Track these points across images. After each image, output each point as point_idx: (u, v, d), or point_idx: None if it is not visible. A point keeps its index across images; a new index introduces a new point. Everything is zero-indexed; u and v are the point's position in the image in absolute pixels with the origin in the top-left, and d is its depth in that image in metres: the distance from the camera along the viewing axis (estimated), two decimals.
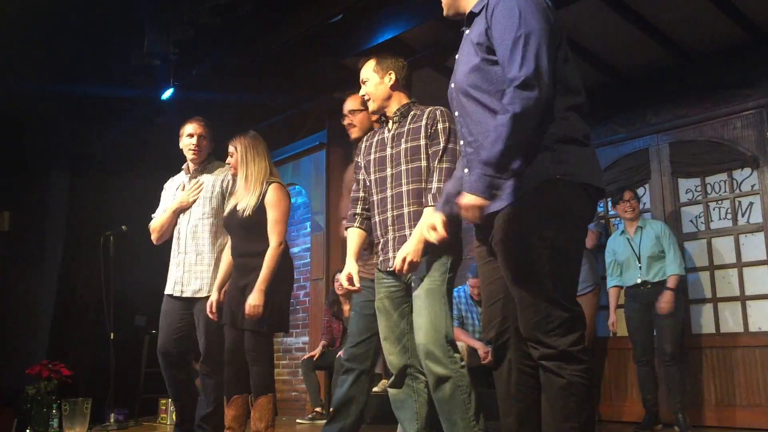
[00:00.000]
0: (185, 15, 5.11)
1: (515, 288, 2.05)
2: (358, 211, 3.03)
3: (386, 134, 2.97)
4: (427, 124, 2.84)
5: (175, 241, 3.94)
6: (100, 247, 5.55)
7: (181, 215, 3.94)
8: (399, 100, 2.95)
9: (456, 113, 2.24)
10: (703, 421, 4.84)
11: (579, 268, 2.12)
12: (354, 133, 3.41)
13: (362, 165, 3.03)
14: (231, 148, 3.63)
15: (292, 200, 6.68)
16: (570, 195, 2.02)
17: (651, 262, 4.78)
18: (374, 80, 2.94)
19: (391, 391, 2.91)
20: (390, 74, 2.94)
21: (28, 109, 6.13)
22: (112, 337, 5.58)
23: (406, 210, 2.82)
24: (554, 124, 2.03)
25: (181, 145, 3.98)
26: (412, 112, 2.94)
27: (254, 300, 3.34)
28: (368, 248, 3.33)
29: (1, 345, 6.36)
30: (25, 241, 6.52)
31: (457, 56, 2.26)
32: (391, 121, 2.96)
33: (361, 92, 2.99)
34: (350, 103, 3.42)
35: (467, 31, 2.25)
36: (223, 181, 3.92)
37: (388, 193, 2.88)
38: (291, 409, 6.42)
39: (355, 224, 3.02)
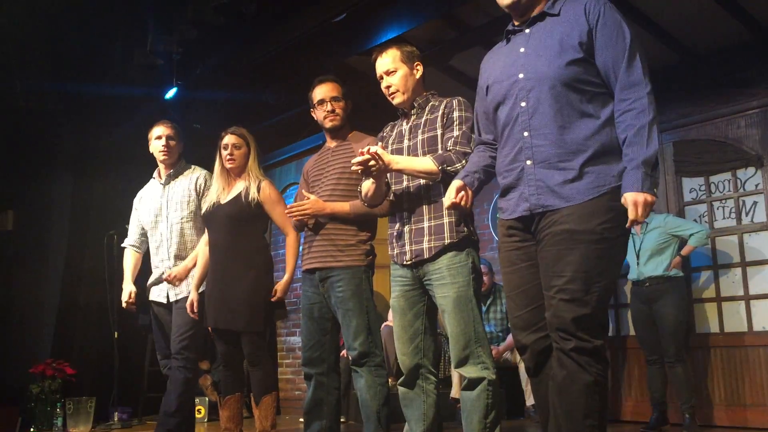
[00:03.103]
0: (189, 14, 5.11)
1: (566, 279, 2.06)
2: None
3: (404, 126, 2.92)
4: (443, 113, 2.80)
5: (154, 248, 3.92)
6: (104, 246, 5.56)
7: (159, 222, 3.91)
8: (420, 92, 2.92)
9: (522, 104, 2.22)
10: (704, 420, 4.82)
11: (618, 275, 2.24)
12: (336, 122, 3.29)
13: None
14: (238, 140, 3.58)
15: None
16: None
17: (650, 257, 4.77)
18: (403, 72, 2.86)
19: (401, 389, 2.89)
20: (418, 66, 2.90)
21: (32, 108, 6.14)
22: (116, 336, 5.59)
23: (424, 202, 2.78)
24: None
25: (151, 148, 3.95)
26: (430, 103, 2.89)
27: (283, 292, 3.48)
28: (308, 240, 3.30)
29: (5, 344, 6.37)
30: (28, 240, 6.54)
31: (522, 50, 2.27)
32: (409, 113, 2.91)
33: (385, 84, 2.88)
34: (333, 90, 3.31)
35: (528, 30, 2.29)
36: (197, 182, 3.89)
37: (405, 184, 2.83)
38: (294, 408, 6.43)
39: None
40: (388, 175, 2.87)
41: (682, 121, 5.23)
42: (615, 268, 2.14)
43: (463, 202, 2.35)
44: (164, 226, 3.88)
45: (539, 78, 2.19)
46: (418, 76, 2.90)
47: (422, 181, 2.79)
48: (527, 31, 2.30)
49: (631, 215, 2.02)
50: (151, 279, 3.95)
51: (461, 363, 2.69)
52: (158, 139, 3.90)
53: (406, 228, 2.81)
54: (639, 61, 2.11)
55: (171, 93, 5.89)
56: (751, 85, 4.89)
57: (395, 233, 2.86)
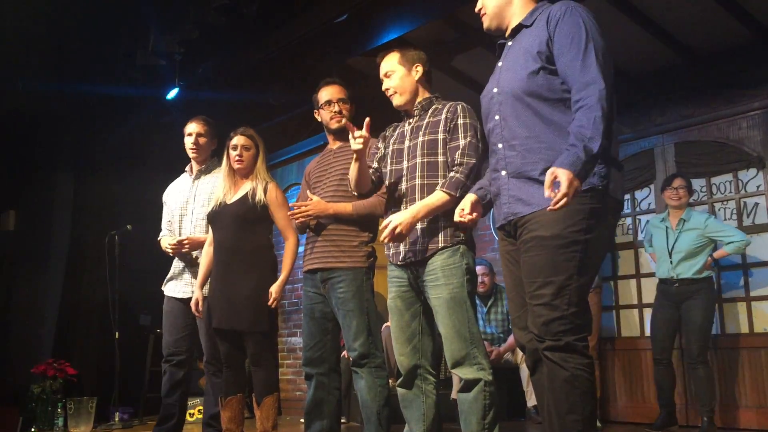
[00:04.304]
0: (190, 15, 5.13)
1: (537, 284, 2.10)
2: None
3: (406, 127, 2.94)
4: (447, 118, 2.81)
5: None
6: (105, 246, 5.56)
7: (183, 217, 3.95)
8: (422, 93, 2.93)
9: (496, 117, 2.30)
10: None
11: (594, 278, 2.22)
12: (342, 123, 3.29)
13: (381, 149, 3.02)
14: (248, 142, 3.58)
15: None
16: (607, 207, 2.15)
17: (684, 258, 4.67)
18: (400, 73, 2.90)
19: (399, 390, 2.90)
20: (417, 67, 2.92)
21: (34, 108, 6.15)
22: (117, 337, 5.59)
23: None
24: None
25: (185, 145, 4.01)
26: (433, 106, 2.91)
27: (278, 293, 3.40)
28: (310, 241, 3.31)
29: (6, 344, 6.38)
30: (30, 240, 6.54)
31: (499, 64, 2.37)
32: (412, 114, 2.94)
33: (385, 86, 2.93)
34: (340, 92, 3.34)
35: (510, 43, 2.36)
36: None
37: (402, 185, 2.85)
38: (295, 409, 6.42)
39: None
40: (386, 170, 2.95)
41: (683, 122, 5.23)
42: (589, 268, 2.14)
43: (468, 221, 2.45)
44: (188, 220, 3.92)
45: (506, 91, 2.27)
46: (416, 77, 2.91)
47: (418, 182, 2.80)
48: (509, 43, 2.37)
49: (563, 189, 1.92)
50: (171, 272, 3.95)
51: (457, 364, 2.70)
52: (189, 136, 3.96)
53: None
54: (594, 61, 2.09)
55: (173, 93, 5.89)
56: (753, 86, 4.89)
57: None
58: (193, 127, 3.96)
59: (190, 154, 3.98)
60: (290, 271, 3.49)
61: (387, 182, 2.94)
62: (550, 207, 1.99)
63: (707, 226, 4.67)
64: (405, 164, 2.86)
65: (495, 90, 2.32)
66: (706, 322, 4.60)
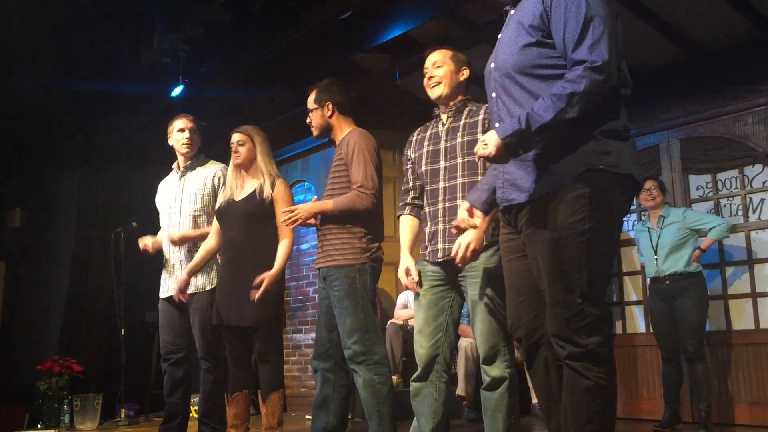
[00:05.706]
0: (195, 12, 5.13)
1: (547, 282, 2.01)
2: (408, 200, 3.03)
3: (440, 128, 2.96)
4: (484, 119, 2.83)
5: (166, 239, 3.92)
6: (111, 243, 5.58)
7: (172, 214, 3.92)
8: (460, 96, 2.95)
9: (493, 94, 2.20)
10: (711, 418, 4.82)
11: (612, 264, 2.12)
12: (315, 131, 3.37)
13: (413, 158, 3.02)
14: (242, 137, 3.59)
15: (302, 197, 6.72)
16: (611, 187, 2.01)
17: (669, 253, 4.67)
18: (450, 68, 2.91)
19: (414, 384, 2.91)
20: (465, 70, 2.95)
21: (40, 105, 6.17)
22: (122, 333, 5.61)
23: (459, 202, 2.79)
24: (602, 114, 2.02)
25: (172, 141, 3.98)
26: (467, 108, 2.93)
27: (267, 284, 3.37)
28: (317, 240, 3.33)
29: (13, 341, 6.41)
30: (36, 237, 6.57)
31: (500, 36, 2.25)
32: (446, 116, 2.95)
33: (430, 74, 2.92)
34: (310, 102, 3.36)
35: (512, 11, 2.24)
36: (214, 177, 3.90)
37: (440, 185, 2.88)
38: (300, 405, 6.44)
39: (406, 212, 3.02)
40: (420, 170, 2.96)
41: (689, 118, 5.21)
42: (599, 258, 2.00)
43: (464, 225, 2.32)
44: (177, 218, 3.89)
45: (500, 66, 2.16)
46: (462, 78, 2.93)
47: (459, 181, 2.83)
48: (512, 12, 2.25)
49: (476, 149, 2.00)
50: (162, 278, 3.95)
51: (489, 361, 2.75)
52: (181, 131, 3.93)
53: (440, 227, 2.85)
54: (591, 36, 1.96)
55: (177, 90, 5.90)
56: (759, 81, 4.87)
57: (430, 232, 2.89)
58: (185, 123, 3.94)
59: (183, 149, 3.94)
60: (282, 266, 3.46)
61: (425, 181, 2.95)
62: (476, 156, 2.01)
63: (686, 217, 4.74)
64: (442, 164, 2.88)
65: (492, 65, 2.21)
66: (700, 319, 4.61)
